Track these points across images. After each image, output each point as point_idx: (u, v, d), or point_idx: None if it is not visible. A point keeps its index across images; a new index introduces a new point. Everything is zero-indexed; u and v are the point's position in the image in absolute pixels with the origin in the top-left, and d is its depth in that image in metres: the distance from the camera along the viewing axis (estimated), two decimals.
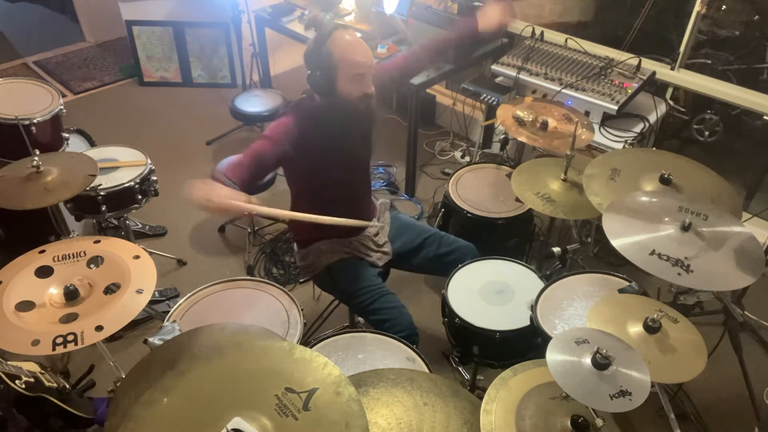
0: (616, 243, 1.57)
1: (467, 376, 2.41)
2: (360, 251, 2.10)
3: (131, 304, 1.64)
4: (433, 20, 3.17)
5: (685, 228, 1.60)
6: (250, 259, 3.04)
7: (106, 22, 5.04)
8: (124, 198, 2.48)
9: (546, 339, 1.65)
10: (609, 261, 2.90)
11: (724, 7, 3.73)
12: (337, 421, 1.13)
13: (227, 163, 2.00)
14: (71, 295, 1.67)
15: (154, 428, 1.12)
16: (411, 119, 3.17)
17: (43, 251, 1.83)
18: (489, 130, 3.57)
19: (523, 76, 2.92)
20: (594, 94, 2.73)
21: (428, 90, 3.96)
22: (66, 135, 2.76)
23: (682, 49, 2.91)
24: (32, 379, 1.84)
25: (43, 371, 1.96)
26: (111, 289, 1.70)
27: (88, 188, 2.21)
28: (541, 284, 1.97)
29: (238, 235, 3.22)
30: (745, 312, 2.60)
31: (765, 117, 2.80)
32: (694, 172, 1.98)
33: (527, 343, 1.88)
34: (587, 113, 2.75)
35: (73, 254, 1.82)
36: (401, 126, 3.97)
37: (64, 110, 2.66)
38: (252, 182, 1.77)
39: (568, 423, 1.27)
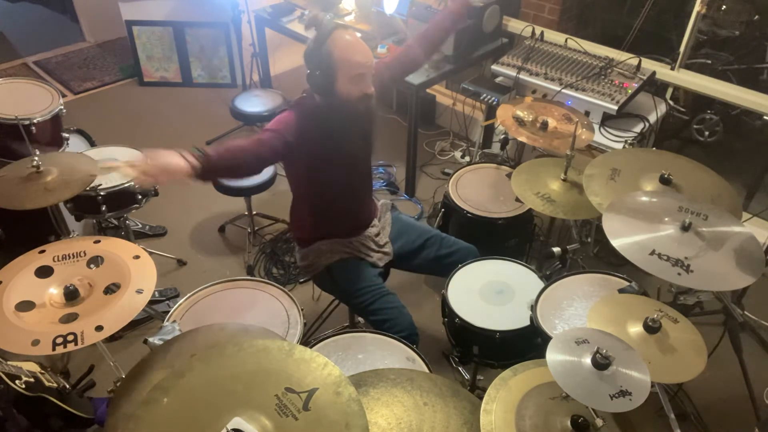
0: (616, 243, 1.57)
1: (467, 376, 2.41)
2: (361, 251, 2.10)
3: (131, 304, 1.64)
4: None
5: (685, 228, 1.60)
6: (250, 259, 3.04)
7: (106, 22, 5.03)
8: (124, 198, 2.48)
9: (546, 339, 1.65)
10: (609, 261, 2.90)
11: (724, 7, 3.73)
12: (337, 421, 1.13)
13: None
14: (71, 295, 1.67)
15: (154, 428, 1.12)
16: (411, 119, 3.17)
17: (43, 251, 1.83)
18: (489, 130, 3.57)
19: (523, 76, 2.92)
20: (594, 94, 2.73)
21: (428, 90, 3.96)
22: (66, 135, 2.75)
23: (682, 49, 2.91)
24: (32, 379, 1.85)
25: (43, 371, 1.96)
26: (111, 289, 1.70)
27: (88, 188, 2.21)
28: (541, 284, 1.97)
29: (238, 235, 3.22)
30: (745, 312, 2.60)
31: (765, 117, 2.80)
32: (694, 172, 1.98)
33: (527, 343, 1.88)
34: (587, 113, 2.75)
35: (73, 254, 1.82)
36: (401, 126, 3.97)
37: (64, 110, 2.66)
38: (248, 168, 1.76)
39: (568, 423, 1.27)
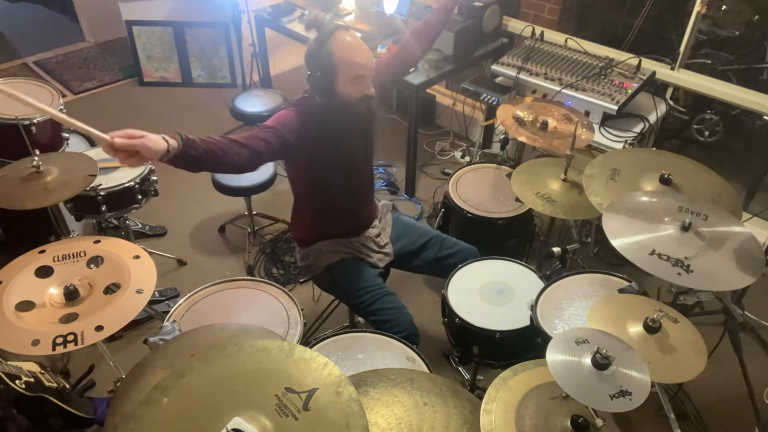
0: (616, 243, 1.57)
1: (467, 376, 2.41)
2: (361, 252, 2.10)
3: (131, 304, 1.64)
4: None
5: (685, 228, 1.60)
6: (250, 259, 3.04)
7: (106, 22, 5.03)
8: (124, 198, 2.48)
9: (546, 339, 1.65)
10: (609, 261, 2.90)
11: (724, 7, 3.73)
12: (337, 421, 1.13)
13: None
14: (71, 295, 1.67)
15: (154, 428, 1.12)
16: (411, 119, 3.17)
17: (43, 251, 1.83)
18: (489, 130, 3.57)
19: (523, 76, 2.92)
20: (594, 94, 2.73)
21: (428, 90, 3.96)
22: (66, 135, 2.76)
23: (682, 49, 2.91)
24: (32, 379, 1.85)
25: (43, 371, 1.96)
26: (111, 289, 1.70)
27: (88, 188, 2.21)
28: (541, 284, 1.97)
29: (238, 235, 3.22)
30: (745, 312, 2.60)
31: (765, 117, 2.80)
32: (694, 172, 1.98)
33: (527, 343, 1.88)
34: (587, 113, 2.75)
35: (73, 254, 1.82)
36: (401, 126, 3.97)
37: (64, 110, 2.66)
38: (241, 162, 1.68)
39: (568, 423, 1.27)
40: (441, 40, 3.05)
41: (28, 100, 1.38)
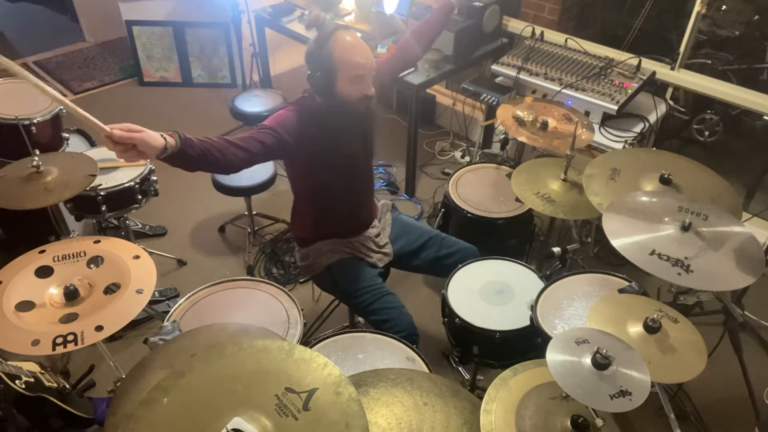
0: (616, 243, 1.57)
1: (467, 376, 2.41)
2: (361, 252, 2.10)
3: (131, 304, 1.64)
4: None
5: (685, 228, 1.60)
6: (250, 259, 3.04)
7: (106, 22, 5.04)
8: (124, 198, 2.48)
9: (546, 339, 1.65)
10: (609, 261, 2.90)
11: (724, 7, 3.73)
12: (337, 421, 1.13)
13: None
14: (71, 295, 1.67)
15: (154, 428, 1.12)
16: (411, 119, 3.17)
17: (43, 251, 1.83)
18: (489, 130, 3.57)
19: (523, 76, 2.92)
20: (594, 94, 2.73)
21: (428, 90, 3.96)
22: (66, 135, 2.76)
23: (682, 49, 2.91)
24: (32, 379, 1.84)
25: (43, 371, 1.96)
26: (111, 289, 1.70)
27: (88, 188, 2.21)
28: (541, 284, 1.97)
29: (238, 235, 3.22)
30: (745, 312, 2.60)
31: (765, 117, 2.81)
32: (694, 172, 1.98)
33: (527, 343, 1.88)
34: (587, 113, 2.75)
35: (73, 254, 1.82)
36: (401, 126, 3.97)
37: (64, 110, 2.66)
38: (237, 161, 1.67)
39: (568, 423, 1.27)
40: (441, 40, 3.05)
41: (44, 87, 1.40)
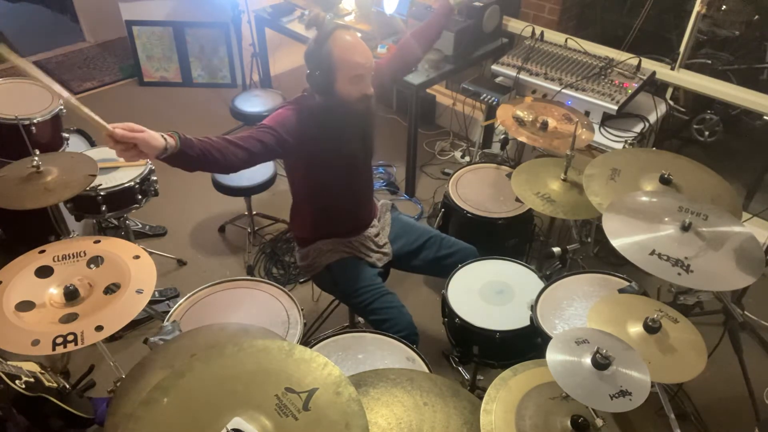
0: (616, 243, 1.57)
1: (467, 376, 2.41)
2: (360, 251, 2.10)
3: (131, 304, 1.64)
4: None
5: (685, 228, 1.60)
6: (250, 259, 3.04)
7: (106, 22, 5.04)
8: (124, 198, 2.48)
9: (546, 339, 1.65)
10: (609, 261, 2.90)
11: (724, 7, 3.73)
12: (337, 421, 1.13)
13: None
14: (71, 295, 1.67)
15: (154, 428, 1.12)
16: (411, 119, 3.17)
17: (43, 251, 1.83)
18: (489, 130, 3.57)
19: (523, 76, 2.92)
20: (594, 94, 2.73)
21: (428, 90, 3.96)
22: (66, 135, 2.76)
23: (682, 49, 2.91)
24: (32, 379, 1.84)
25: (43, 371, 1.96)
26: (111, 289, 1.70)
27: (88, 188, 2.21)
28: (541, 284, 1.97)
29: (238, 235, 3.22)
30: (745, 312, 2.60)
31: (765, 117, 2.81)
32: (694, 172, 1.98)
33: (527, 343, 1.88)
34: (587, 113, 2.75)
35: (73, 254, 1.82)
36: (401, 126, 3.97)
37: (64, 110, 2.66)
38: (237, 161, 1.67)
39: (568, 423, 1.27)
40: (441, 40, 3.04)
41: (52, 84, 1.41)
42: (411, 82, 3.01)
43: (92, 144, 2.96)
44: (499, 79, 3.09)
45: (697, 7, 2.78)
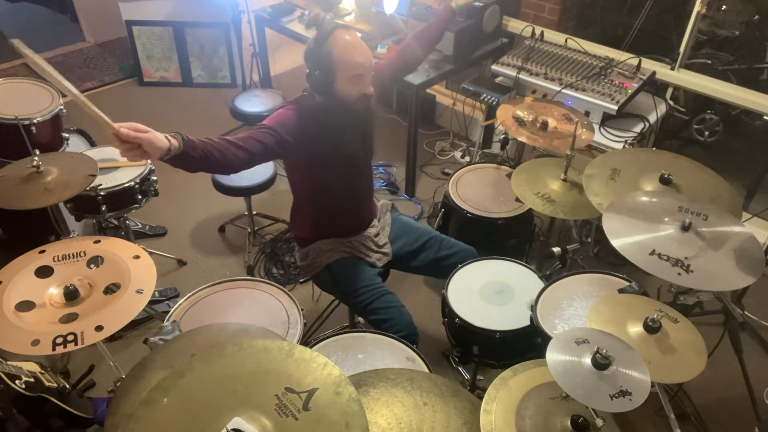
0: (616, 243, 1.57)
1: (467, 376, 2.41)
2: (360, 251, 2.10)
3: (131, 304, 1.64)
4: None
5: (685, 228, 1.60)
6: (250, 259, 3.04)
7: (106, 22, 5.04)
8: (124, 198, 2.48)
9: (546, 339, 1.65)
10: (609, 261, 2.90)
11: (724, 7, 3.73)
12: (337, 421, 1.13)
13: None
14: (71, 295, 1.67)
15: (154, 428, 1.12)
16: (411, 119, 3.17)
17: (43, 251, 1.83)
18: (489, 130, 3.57)
19: (523, 76, 2.92)
20: (594, 94, 2.73)
21: (428, 90, 3.96)
22: (66, 135, 2.76)
23: (682, 49, 2.91)
24: (32, 379, 1.84)
25: (43, 371, 1.96)
26: (111, 289, 1.70)
27: (88, 188, 2.21)
28: (541, 284, 1.97)
29: (238, 235, 3.22)
30: (745, 312, 2.60)
31: (765, 117, 2.81)
32: (694, 172, 1.98)
33: (527, 343, 1.88)
34: (587, 113, 2.75)
35: (73, 254, 1.82)
36: (401, 126, 3.97)
37: (64, 110, 2.66)
38: (237, 161, 1.67)
39: (568, 423, 1.27)
40: (441, 40, 3.04)
41: (61, 80, 1.42)
42: (411, 82, 3.01)
43: (92, 144, 2.96)
44: (499, 79, 3.09)
45: (697, 7, 2.78)
